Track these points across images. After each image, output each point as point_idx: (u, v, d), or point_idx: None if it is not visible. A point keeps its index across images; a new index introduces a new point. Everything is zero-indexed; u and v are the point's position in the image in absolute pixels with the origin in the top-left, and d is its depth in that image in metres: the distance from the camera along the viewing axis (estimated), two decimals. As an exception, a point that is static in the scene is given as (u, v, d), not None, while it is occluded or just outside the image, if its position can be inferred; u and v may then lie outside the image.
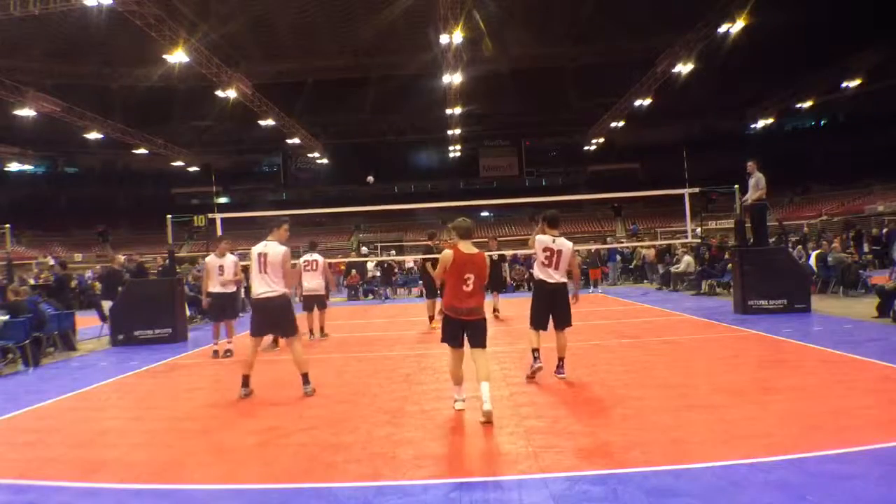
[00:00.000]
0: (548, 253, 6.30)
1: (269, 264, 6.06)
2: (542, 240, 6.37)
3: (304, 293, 10.43)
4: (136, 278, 12.65)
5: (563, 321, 6.35)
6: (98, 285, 18.83)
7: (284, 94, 40.16)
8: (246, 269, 8.33)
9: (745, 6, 25.39)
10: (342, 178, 50.26)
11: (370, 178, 21.03)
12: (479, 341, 5.20)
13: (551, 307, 6.35)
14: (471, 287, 5.09)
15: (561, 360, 6.38)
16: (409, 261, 23.36)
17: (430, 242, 12.67)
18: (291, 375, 6.53)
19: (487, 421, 4.75)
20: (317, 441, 4.62)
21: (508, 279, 13.50)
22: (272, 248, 6.14)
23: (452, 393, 5.36)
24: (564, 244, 6.36)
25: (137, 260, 15.06)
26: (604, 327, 10.55)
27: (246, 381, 6.17)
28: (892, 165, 34.18)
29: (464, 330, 5.18)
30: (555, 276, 6.31)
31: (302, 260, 10.15)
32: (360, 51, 40.55)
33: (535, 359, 6.28)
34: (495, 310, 11.94)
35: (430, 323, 10.98)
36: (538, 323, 6.37)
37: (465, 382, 5.35)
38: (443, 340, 5.31)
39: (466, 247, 5.16)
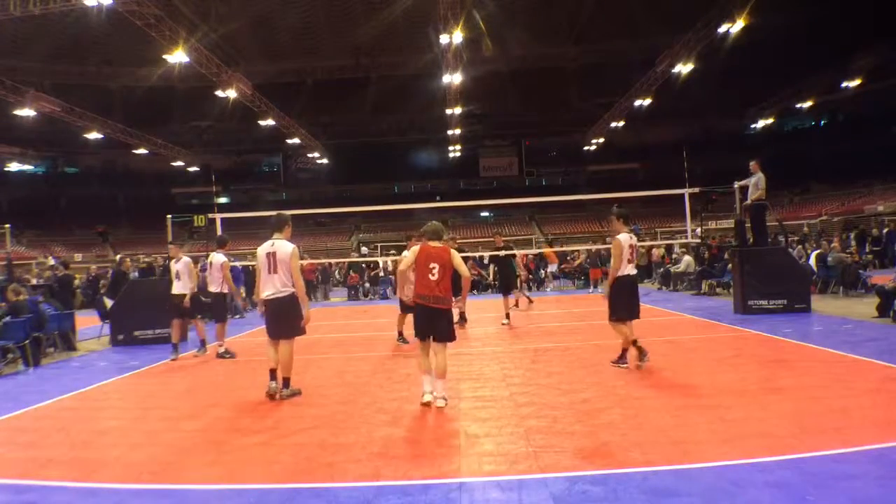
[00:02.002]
0: (632, 249, 6.75)
1: (279, 263, 5.93)
2: (626, 237, 6.75)
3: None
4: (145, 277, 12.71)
5: (637, 312, 6.89)
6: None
7: (284, 94, 40.19)
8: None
9: (745, 6, 25.38)
10: (342, 178, 50.27)
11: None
12: (443, 336, 5.54)
13: (633, 298, 6.83)
14: (436, 276, 5.49)
15: (625, 350, 6.79)
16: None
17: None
18: (292, 375, 6.54)
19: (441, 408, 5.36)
20: (317, 441, 4.62)
21: (522, 280, 13.30)
22: (280, 246, 5.99)
23: (423, 386, 5.53)
24: (634, 237, 6.87)
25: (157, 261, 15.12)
26: (604, 327, 10.50)
27: (273, 375, 6.05)
28: (892, 165, 34.18)
29: (431, 322, 5.54)
30: (632, 267, 6.81)
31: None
32: (360, 51, 40.60)
33: (643, 354, 6.75)
34: (508, 315, 11.23)
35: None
36: (632, 313, 6.81)
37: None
38: (416, 335, 5.65)
39: (433, 243, 5.64)
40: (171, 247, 9.66)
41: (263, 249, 6.02)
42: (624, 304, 6.76)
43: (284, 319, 6.01)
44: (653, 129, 45.75)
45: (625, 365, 6.73)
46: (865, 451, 3.82)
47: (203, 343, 9.31)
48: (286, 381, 6.08)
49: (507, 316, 11.26)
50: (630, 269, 6.78)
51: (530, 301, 14.57)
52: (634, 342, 6.79)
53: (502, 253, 11.61)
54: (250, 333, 11.76)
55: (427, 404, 5.37)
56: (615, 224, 6.95)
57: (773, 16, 29.47)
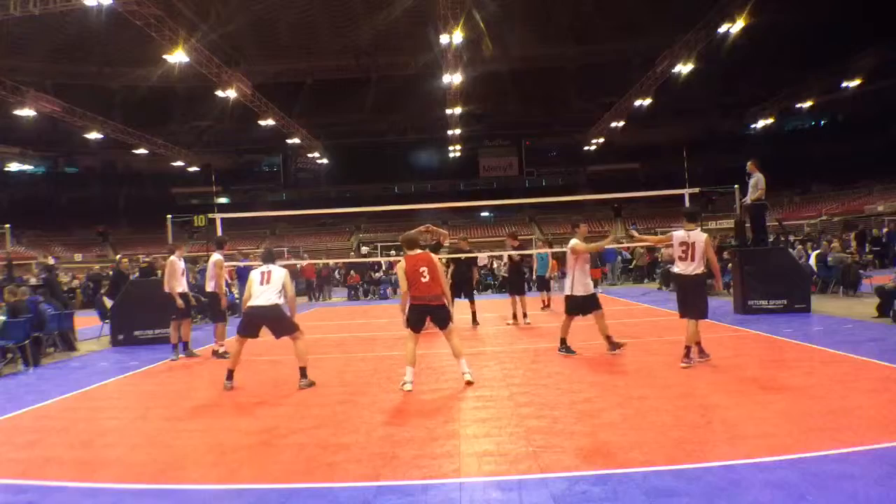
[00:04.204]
0: (684, 247, 6.68)
1: (273, 279, 6.59)
2: (678, 235, 6.79)
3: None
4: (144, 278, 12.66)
5: (692, 312, 6.68)
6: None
7: (284, 94, 40.19)
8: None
9: (745, 6, 25.41)
10: (342, 178, 50.27)
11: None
12: (444, 324, 6.25)
13: (685, 297, 6.77)
14: (427, 278, 6.10)
15: (688, 348, 6.64)
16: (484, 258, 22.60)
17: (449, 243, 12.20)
18: (292, 376, 6.56)
19: (469, 384, 6.09)
20: (317, 441, 4.62)
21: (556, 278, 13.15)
22: (275, 268, 6.73)
23: (405, 375, 6.10)
24: (698, 236, 6.68)
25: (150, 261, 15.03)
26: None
27: (231, 375, 6.61)
28: (892, 165, 34.19)
29: (428, 315, 6.19)
30: (690, 268, 6.66)
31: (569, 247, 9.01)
32: (360, 51, 40.61)
33: (687, 354, 6.64)
34: (515, 316, 11.07)
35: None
36: (682, 311, 6.81)
37: (466, 361, 6.33)
38: (408, 326, 6.22)
39: (413, 252, 6.31)
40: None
41: (258, 270, 6.74)
42: (678, 301, 6.91)
43: (277, 322, 6.59)
44: (653, 129, 45.75)
45: (685, 364, 6.62)
46: (865, 451, 3.82)
47: (181, 345, 9.18)
48: (303, 372, 6.52)
49: (514, 317, 11.23)
50: (684, 269, 6.68)
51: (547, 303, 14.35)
52: (690, 345, 6.68)
53: (516, 255, 11.57)
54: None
55: (407, 391, 5.93)
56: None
57: (773, 16, 29.46)
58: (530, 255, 15.52)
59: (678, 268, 6.81)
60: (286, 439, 4.71)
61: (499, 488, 3.57)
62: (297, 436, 4.79)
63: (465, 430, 4.71)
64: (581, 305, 7.60)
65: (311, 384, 6.49)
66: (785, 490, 3.33)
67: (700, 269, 6.66)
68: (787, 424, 4.45)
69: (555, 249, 17.98)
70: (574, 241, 7.69)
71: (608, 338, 7.57)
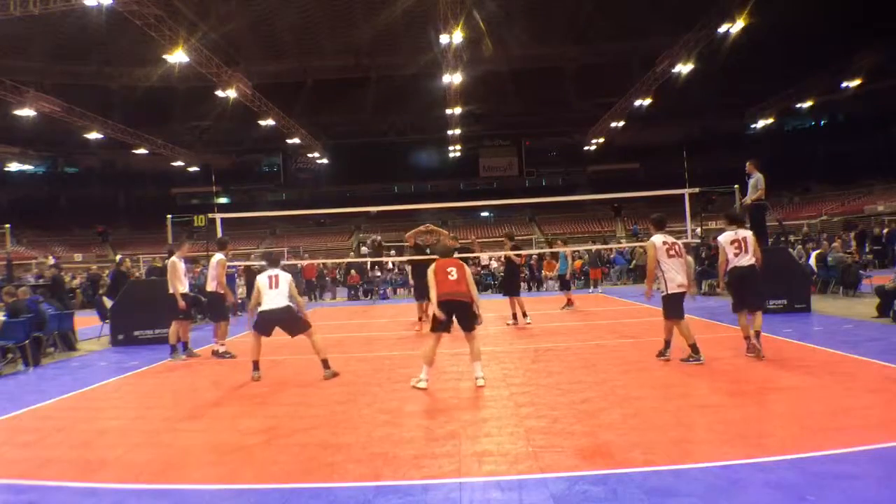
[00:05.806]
0: (736, 244, 7.07)
1: (280, 282, 7.01)
2: (727, 235, 7.15)
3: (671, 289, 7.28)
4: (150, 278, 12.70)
5: (755, 303, 7.00)
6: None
7: (284, 94, 40.16)
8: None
9: (745, 6, 25.40)
10: (342, 178, 50.26)
11: (372, 210, 22.29)
12: (468, 325, 6.30)
13: (744, 290, 7.02)
14: (455, 276, 6.27)
15: (757, 333, 6.94)
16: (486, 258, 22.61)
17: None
18: (293, 376, 6.56)
19: (481, 386, 6.11)
20: (317, 441, 4.62)
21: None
22: (281, 273, 7.17)
23: (421, 373, 6.15)
24: (747, 232, 7.19)
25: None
26: (604, 327, 10.54)
27: (257, 366, 7.09)
28: (892, 165, 34.20)
29: (455, 313, 6.21)
30: (745, 259, 6.99)
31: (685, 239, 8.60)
32: (360, 51, 40.62)
33: (749, 345, 6.97)
34: (515, 316, 11.11)
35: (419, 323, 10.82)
36: (740, 306, 7.12)
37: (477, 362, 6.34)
38: (433, 330, 6.29)
39: (445, 260, 6.59)
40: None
41: (265, 274, 7.12)
42: (735, 295, 7.22)
43: (291, 322, 7.03)
44: (653, 129, 45.73)
45: (752, 354, 6.87)
46: (865, 451, 3.82)
47: (181, 346, 9.15)
48: (326, 363, 6.92)
49: (514, 316, 11.22)
50: (739, 261, 6.98)
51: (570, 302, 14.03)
52: (747, 337, 6.98)
53: (512, 253, 11.60)
54: (249, 334, 11.74)
55: (423, 389, 6.03)
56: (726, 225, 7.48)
57: (773, 16, 29.45)
58: (529, 255, 15.65)
59: (734, 262, 7.06)
60: (286, 439, 4.71)
61: (499, 488, 3.58)
62: (297, 436, 4.79)
63: (465, 430, 4.71)
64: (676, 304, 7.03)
65: (335, 374, 6.83)
66: (785, 490, 3.33)
67: (754, 260, 6.98)
68: (787, 424, 4.46)
69: (573, 248, 18.08)
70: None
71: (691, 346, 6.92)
